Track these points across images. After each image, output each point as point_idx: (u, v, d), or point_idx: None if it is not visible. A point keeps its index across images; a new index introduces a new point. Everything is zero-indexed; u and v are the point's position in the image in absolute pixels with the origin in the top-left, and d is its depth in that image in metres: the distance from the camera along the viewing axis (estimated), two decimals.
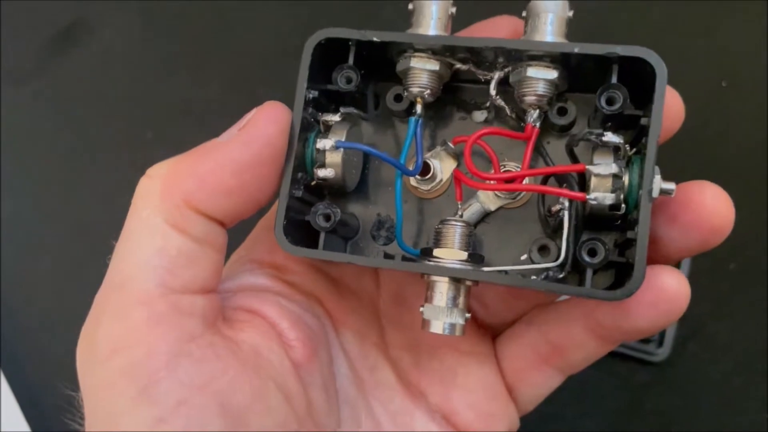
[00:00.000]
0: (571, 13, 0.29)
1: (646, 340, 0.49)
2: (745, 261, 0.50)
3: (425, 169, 0.31)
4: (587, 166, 0.27)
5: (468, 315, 0.29)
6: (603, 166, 0.26)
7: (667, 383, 0.48)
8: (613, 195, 0.26)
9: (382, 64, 0.31)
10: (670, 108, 0.28)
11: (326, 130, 0.30)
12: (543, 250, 0.30)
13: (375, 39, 0.29)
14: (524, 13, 0.29)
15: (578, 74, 0.29)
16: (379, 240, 0.32)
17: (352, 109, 0.31)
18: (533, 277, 0.28)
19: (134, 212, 0.27)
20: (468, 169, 0.28)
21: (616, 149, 0.27)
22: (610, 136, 0.27)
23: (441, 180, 0.31)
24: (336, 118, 0.30)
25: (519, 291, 0.33)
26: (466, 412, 0.33)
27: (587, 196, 0.26)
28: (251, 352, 0.28)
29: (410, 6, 0.30)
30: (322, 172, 0.29)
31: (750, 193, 0.52)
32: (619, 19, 0.60)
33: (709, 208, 0.27)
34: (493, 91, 0.30)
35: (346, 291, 0.34)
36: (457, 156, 0.31)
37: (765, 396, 0.47)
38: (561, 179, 0.29)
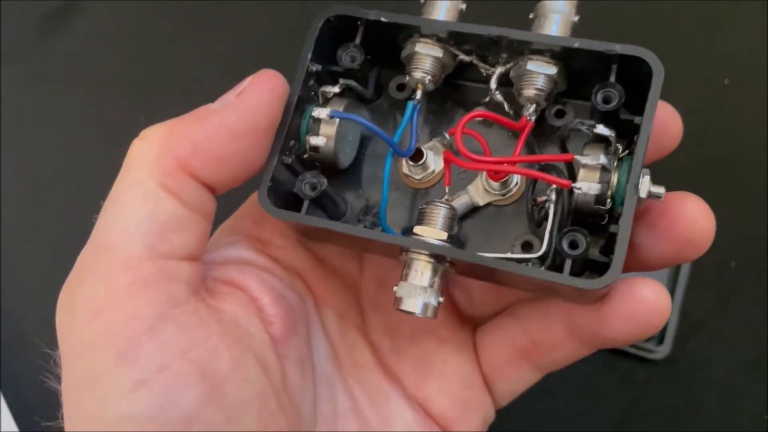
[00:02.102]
0: (577, 18, 0.29)
1: (646, 338, 0.48)
2: (747, 259, 0.50)
3: (418, 155, 0.31)
4: (576, 156, 0.27)
5: (442, 299, 0.28)
6: (591, 157, 0.27)
7: (667, 381, 0.48)
8: (599, 186, 0.26)
9: (388, 50, 0.31)
10: (669, 126, 0.29)
11: (324, 102, 0.30)
12: (526, 246, 0.30)
13: (383, 19, 0.30)
14: (531, 16, 0.30)
15: (578, 76, 0.29)
16: (364, 223, 0.32)
17: (351, 82, 0.31)
18: (511, 263, 0.27)
19: (126, 174, 0.27)
20: (458, 149, 0.28)
21: (607, 145, 0.27)
22: (601, 128, 0.27)
23: (433, 171, 0.31)
24: (335, 89, 0.30)
25: (505, 283, 0.33)
26: (440, 398, 0.33)
27: (573, 184, 0.26)
28: (232, 322, 0.28)
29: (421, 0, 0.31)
30: (314, 140, 0.29)
31: (752, 190, 0.52)
32: (620, 18, 0.60)
33: (688, 219, 0.27)
34: (493, 85, 0.30)
35: (329, 270, 0.34)
36: (448, 143, 0.31)
37: (766, 395, 0.47)
38: (550, 171, 0.29)
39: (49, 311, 0.27)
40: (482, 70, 0.30)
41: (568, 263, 0.27)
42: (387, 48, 0.31)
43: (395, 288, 0.28)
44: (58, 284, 0.27)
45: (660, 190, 0.26)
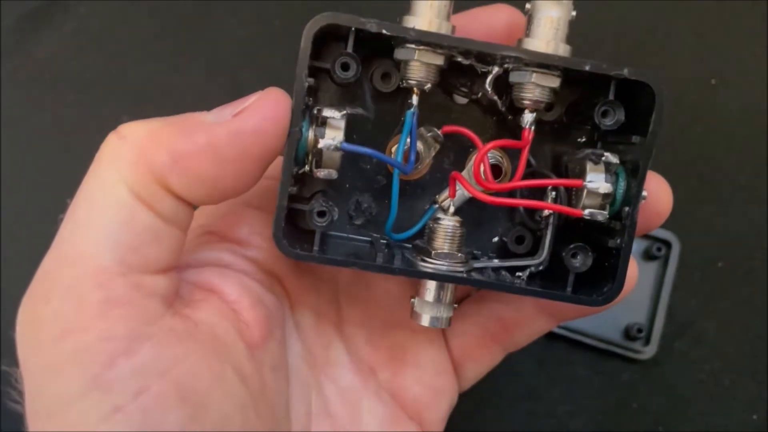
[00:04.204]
0: (574, 13, 0.29)
1: (632, 338, 0.48)
2: (734, 259, 0.50)
3: (416, 158, 0.31)
4: (585, 183, 0.28)
5: (456, 305, 0.30)
6: (599, 184, 0.28)
7: (653, 382, 0.48)
8: (606, 213, 0.28)
9: (378, 46, 0.30)
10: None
11: (322, 124, 0.28)
12: (520, 240, 0.32)
13: (385, 31, 0.27)
14: (528, 6, 0.29)
15: (576, 89, 0.31)
16: (356, 220, 0.32)
17: (358, 110, 0.30)
18: (525, 287, 0.29)
19: (97, 174, 0.25)
20: (477, 181, 0.29)
21: (608, 166, 0.29)
22: (609, 157, 0.28)
23: (422, 161, 0.31)
24: (337, 115, 0.28)
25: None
26: (414, 386, 0.34)
27: (583, 213, 0.28)
28: (209, 334, 0.26)
29: None
30: (322, 173, 0.27)
31: (738, 190, 0.52)
32: (608, 17, 0.60)
33: (652, 194, 0.29)
34: (489, 87, 0.30)
35: (307, 268, 0.33)
36: (441, 143, 0.31)
37: (752, 396, 0.47)
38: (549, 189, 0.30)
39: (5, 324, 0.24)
40: (478, 69, 0.29)
41: (571, 277, 0.29)
42: (377, 46, 0.29)
43: (412, 301, 0.30)
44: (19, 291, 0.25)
45: (645, 193, 0.28)
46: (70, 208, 0.25)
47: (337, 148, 0.27)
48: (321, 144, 0.27)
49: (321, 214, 0.29)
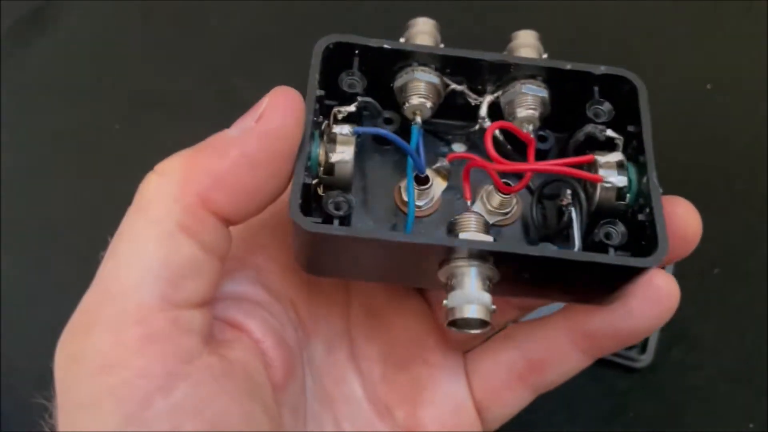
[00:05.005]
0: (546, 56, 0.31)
1: (629, 347, 0.48)
2: (729, 265, 0.50)
3: (425, 179, 0.31)
4: (595, 156, 0.29)
5: (494, 307, 0.27)
6: (610, 155, 0.29)
7: (650, 390, 0.48)
8: (624, 178, 0.28)
9: (378, 86, 0.30)
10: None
11: (335, 122, 0.29)
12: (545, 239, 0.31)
13: (386, 46, 0.29)
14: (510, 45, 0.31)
15: (563, 102, 0.30)
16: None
17: (368, 99, 0.30)
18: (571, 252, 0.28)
19: (142, 212, 0.25)
20: (489, 153, 0.28)
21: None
22: (610, 132, 0.29)
23: (433, 197, 0.31)
24: (351, 108, 0.29)
25: (495, 303, 0.33)
26: (432, 426, 0.32)
27: (603, 179, 0.28)
28: (242, 374, 0.26)
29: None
30: (335, 156, 0.28)
31: (734, 196, 0.52)
32: (602, 24, 0.60)
33: (681, 219, 0.28)
34: (483, 113, 0.30)
35: (320, 297, 0.32)
36: (449, 176, 0.31)
37: (749, 404, 0.47)
38: (561, 182, 0.30)
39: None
40: (471, 101, 0.31)
41: (611, 251, 0.28)
42: (377, 84, 0.30)
43: (445, 302, 0.27)
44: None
45: (660, 190, 0.28)
46: (111, 245, 0.25)
47: (352, 134, 0.28)
48: (335, 129, 0.28)
49: (337, 206, 0.28)
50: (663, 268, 0.50)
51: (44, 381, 0.26)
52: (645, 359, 0.48)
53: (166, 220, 0.24)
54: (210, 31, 0.59)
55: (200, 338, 0.25)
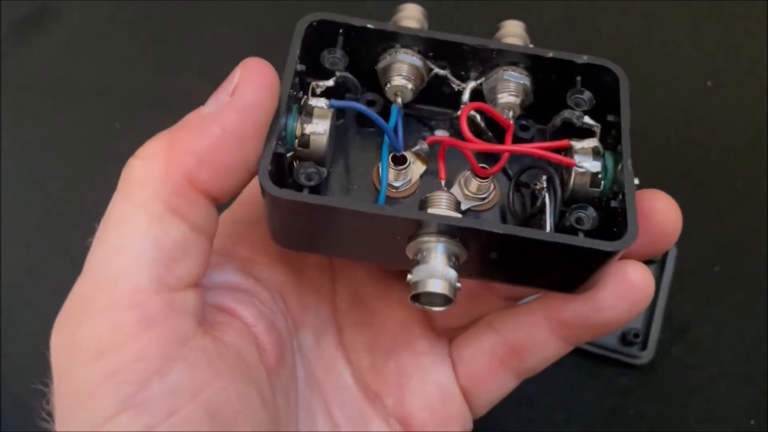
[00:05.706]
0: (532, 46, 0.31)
1: (629, 343, 0.48)
2: (730, 263, 0.50)
3: (402, 159, 0.30)
4: (571, 142, 0.29)
5: (458, 285, 0.26)
6: (586, 140, 0.29)
7: (650, 387, 0.48)
8: (598, 164, 0.28)
9: (360, 69, 0.30)
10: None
11: (313, 96, 0.29)
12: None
13: (369, 26, 0.29)
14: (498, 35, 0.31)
15: (545, 92, 0.31)
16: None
17: (347, 74, 0.30)
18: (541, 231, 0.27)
19: (127, 197, 0.25)
20: (463, 134, 0.28)
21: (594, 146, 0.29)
22: (587, 119, 0.29)
23: (410, 180, 0.31)
24: (329, 82, 0.29)
25: (480, 292, 0.33)
26: (421, 413, 0.33)
27: (576, 163, 0.28)
28: (237, 356, 0.26)
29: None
30: (310, 127, 0.28)
31: (734, 194, 0.52)
32: (602, 22, 0.60)
33: (660, 214, 0.28)
34: (466, 98, 0.30)
35: (307, 286, 0.33)
36: (427, 159, 0.31)
37: (749, 402, 0.47)
38: (538, 168, 0.30)
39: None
40: (454, 86, 0.31)
41: (581, 234, 0.27)
42: (359, 66, 0.30)
43: (409, 276, 0.26)
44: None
45: (636, 180, 0.28)
46: (99, 232, 0.25)
47: (327, 107, 0.28)
48: (310, 101, 0.28)
49: (308, 176, 0.28)
50: (664, 265, 0.50)
51: (44, 381, 0.26)
52: (645, 357, 0.48)
53: (154, 202, 0.24)
54: (210, 31, 0.59)
55: (194, 319, 0.25)
